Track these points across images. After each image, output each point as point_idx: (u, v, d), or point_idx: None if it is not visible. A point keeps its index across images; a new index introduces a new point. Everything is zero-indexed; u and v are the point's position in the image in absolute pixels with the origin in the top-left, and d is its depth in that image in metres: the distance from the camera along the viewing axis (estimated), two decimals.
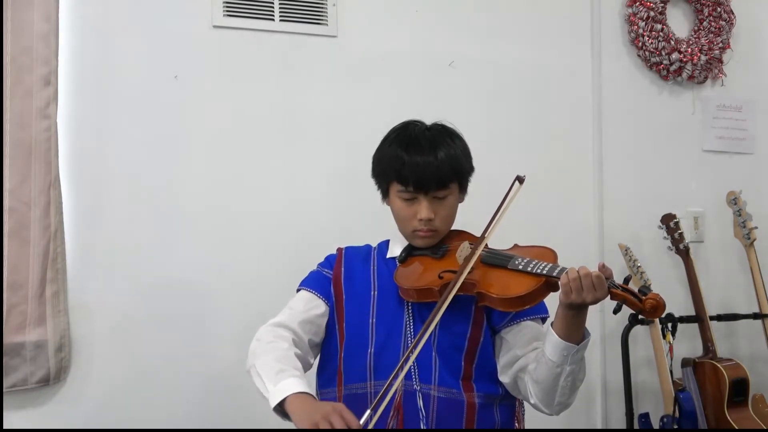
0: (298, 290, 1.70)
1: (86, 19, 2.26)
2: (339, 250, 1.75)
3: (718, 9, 3.00)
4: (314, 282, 1.69)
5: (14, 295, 2.11)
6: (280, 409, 1.43)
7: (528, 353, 1.56)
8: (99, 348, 2.23)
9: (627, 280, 1.41)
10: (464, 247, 1.59)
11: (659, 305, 1.35)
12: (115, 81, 2.29)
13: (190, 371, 2.31)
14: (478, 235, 1.57)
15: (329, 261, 1.73)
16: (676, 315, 2.64)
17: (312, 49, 2.50)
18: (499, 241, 1.62)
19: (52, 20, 2.16)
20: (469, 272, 1.51)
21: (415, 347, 1.43)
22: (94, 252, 2.25)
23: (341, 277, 1.68)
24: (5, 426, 2.08)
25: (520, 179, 1.58)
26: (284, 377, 1.46)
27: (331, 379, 1.64)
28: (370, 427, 1.38)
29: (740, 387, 2.62)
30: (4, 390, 2.08)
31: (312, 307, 1.65)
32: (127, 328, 2.26)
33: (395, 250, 1.70)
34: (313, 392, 1.52)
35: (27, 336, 2.11)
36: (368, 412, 1.40)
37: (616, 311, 1.41)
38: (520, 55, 2.76)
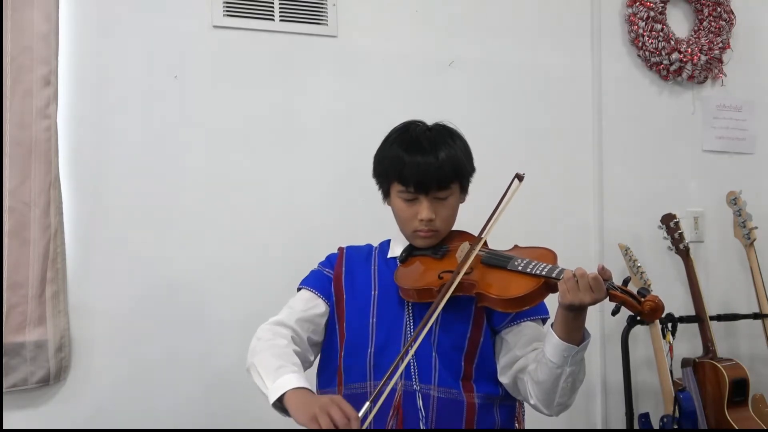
0: (298, 289, 1.70)
1: (86, 19, 2.26)
2: (340, 249, 1.75)
3: (718, 9, 3.00)
4: (315, 281, 1.69)
5: (14, 295, 2.11)
6: (280, 405, 1.43)
7: (528, 354, 1.56)
8: (99, 348, 2.24)
9: (626, 282, 1.41)
10: (464, 248, 1.59)
11: (658, 307, 1.35)
12: (115, 81, 2.29)
13: (190, 371, 2.31)
14: (478, 234, 1.57)
15: (330, 260, 1.73)
16: (676, 315, 2.64)
17: (312, 49, 2.50)
18: (499, 241, 1.62)
19: (52, 20, 2.16)
20: (469, 273, 1.51)
21: (412, 344, 1.43)
22: (94, 252, 2.25)
23: (342, 277, 1.68)
24: (5, 426, 2.09)
25: (519, 177, 1.57)
26: (283, 373, 1.46)
27: (331, 379, 1.64)
28: (369, 419, 1.38)
29: (740, 387, 2.62)
30: (4, 390, 2.08)
31: (311, 306, 1.65)
32: (127, 327, 2.26)
33: (396, 250, 1.70)
34: (313, 389, 1.52)
35: (27, 336, 2.12)
36: (367, 404, 1.39)
37: (614, 313, 1.41)
38: (520, 55, 2.76)
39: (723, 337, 2.94)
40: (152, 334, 2.28)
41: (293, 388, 1.42)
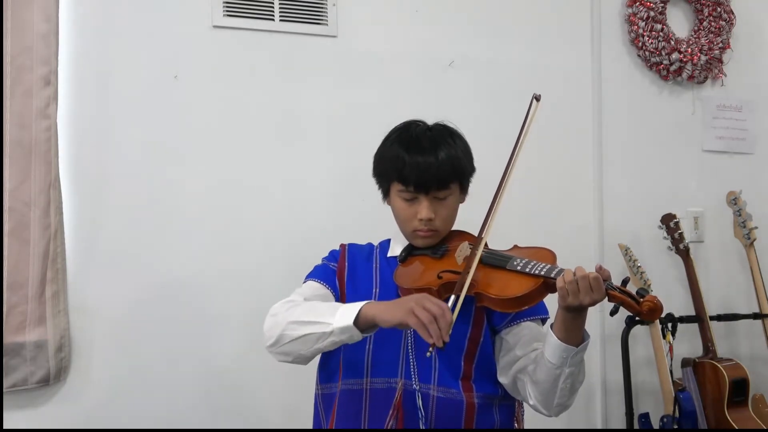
0: (305, 282, 1.69)
1: (86, 19, 2.27)
2: (342, 246, 1.75)
3: (718, 9, 3.00)
4: (321, 274, 1.69)
5: (14, 295, 2.11)
6: (355, 327, 1.41)
7: (528, 354, 1.55)
8: (99, 348, 2.24)
9: (625, 282, 1.40)
10: (464, 247, 1.59)
11: (656, 308, 1.34)
12: (115, 81, 2.29)
13: (190, 371, 2.32)
14: (481, 234, 1.56)
15: (333, 255, 1.73)
16: (676, 315, 2.64)
17: (312, 49, 2.50)
18: (499, 241, 1.62)
19: (52, 20, 2.16)
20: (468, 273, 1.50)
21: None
22: (94, 252, 2.25)
23: (345, 272, 1.68)
24: (5, 426, 2.09)
25: (536, 97, 1.59)
26: (337, 307, 1.46)
27: (332, 375, 1.63)
28: (456, 310, 1.39)
29: (740, 387, 2.63)
30: (4, 390, 2.08)
31: (321, 294, 1.64)
32: (127, 328, 2.26)
33: (396, 250, 1.70)
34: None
35: (27, 336, 2.12)
36: (453, 297, 1.41)
37: (613, 313, 1.40)
38: (520, 55, 2.76)
39: (723, 337, 2.94)
40: (152, 334, 2.28)
41: (366, 303, 1.43)
